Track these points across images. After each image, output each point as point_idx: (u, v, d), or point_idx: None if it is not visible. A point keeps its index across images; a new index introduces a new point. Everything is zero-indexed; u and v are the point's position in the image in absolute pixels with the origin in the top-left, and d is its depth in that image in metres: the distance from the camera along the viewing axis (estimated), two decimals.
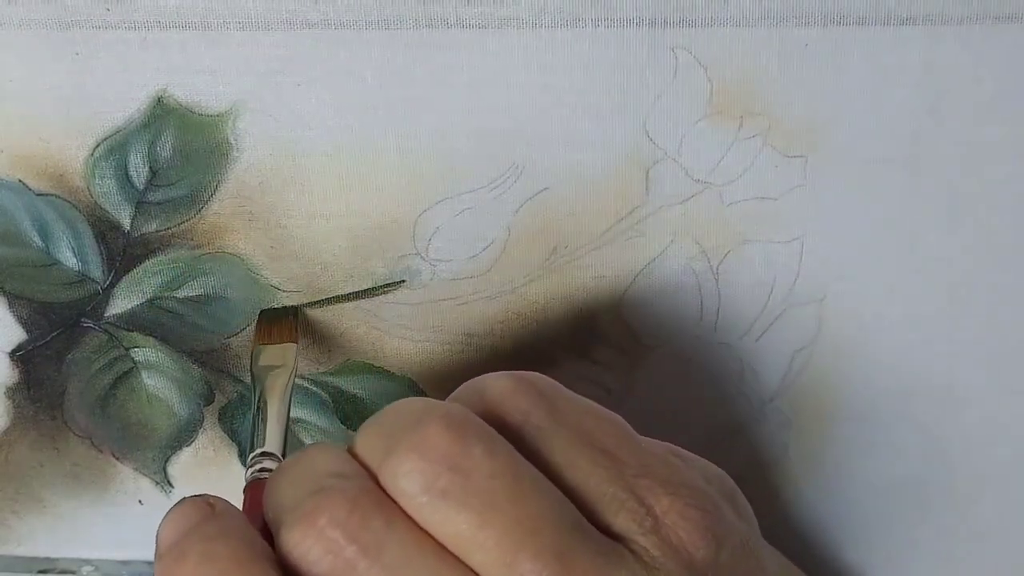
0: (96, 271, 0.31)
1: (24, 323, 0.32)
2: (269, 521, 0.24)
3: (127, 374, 0.33)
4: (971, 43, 0.27)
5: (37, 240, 0.31)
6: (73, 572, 0.37)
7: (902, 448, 0.33)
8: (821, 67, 0.28)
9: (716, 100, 0.28)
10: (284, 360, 0.30)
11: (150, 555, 0.36)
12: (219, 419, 0.33)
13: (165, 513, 0.25)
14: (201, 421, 0.33)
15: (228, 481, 0.34)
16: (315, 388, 0.33)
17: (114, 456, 0.34)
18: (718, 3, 0.27)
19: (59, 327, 0.32)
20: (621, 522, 0.23)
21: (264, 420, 0.28)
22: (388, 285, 0.31)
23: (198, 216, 0.30)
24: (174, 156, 0.29)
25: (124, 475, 0.34)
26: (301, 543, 0.22)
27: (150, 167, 0.30)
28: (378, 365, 0.32)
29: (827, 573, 0.34)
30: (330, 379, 0.33)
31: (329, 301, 0.31)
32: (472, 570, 0.22)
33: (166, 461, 0.34)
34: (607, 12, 0.27)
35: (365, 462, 0.24)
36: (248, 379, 0.33)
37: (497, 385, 0.25)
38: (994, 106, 0.28)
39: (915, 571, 0.35)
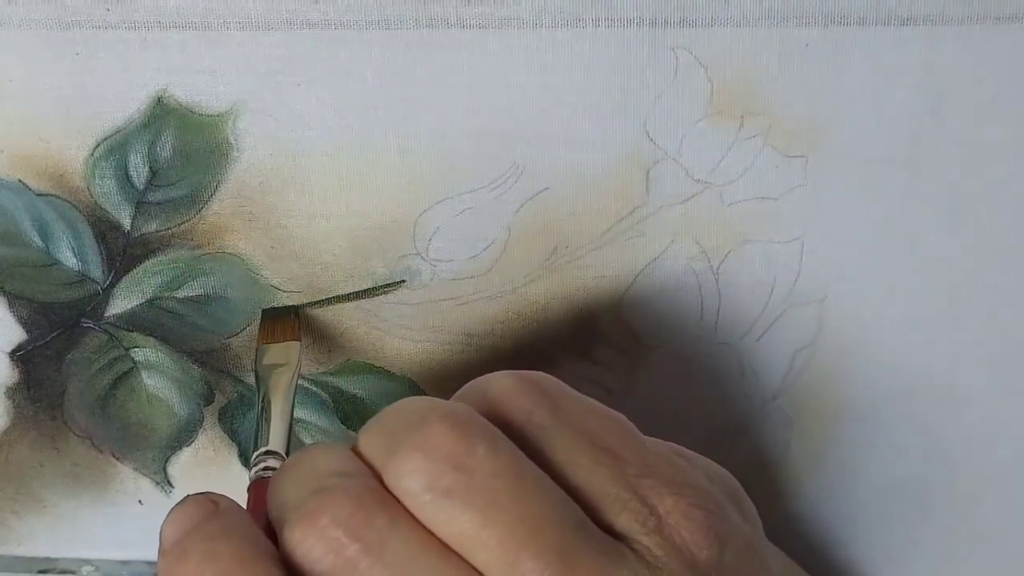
0: (96, 271, 0.31)
1: (24, 323, 0.32)
2: (272, 520, 0.24)
3: (127, 374, 0.33)
4: (972, 43, 0.27)
5: (37, 240, 0.31)
6: (73, 572, 0.37)
7: (903, 448, 0.33)
8: (822, 67, 0.28)
9: (716, 100, 0.28)
10: (288, 358, 0.30)
11: (150, 555, 0.36)
12: (219, 419, 0.33)
13: (169, 511, 0.25)
14: (201, 421, 0.33)
15: (228, 481, 0.34)
16: (315, 388, 0.33)
17: (114, 456, 0.34)
18: (718, 3, 0.27)
19: (59, 327, 0.32)
20: (624, 522, 0.23)
21: (268, 419, 0.29)
22: (388, 285, 0.31)
23: (198, 216, 0.30)
24: (174, 156, 0.29)
25: (124, 475, 0.34)
26: (304, 542, 0.22)
27: (150, 167, 0.30)
28: (378, 365, 0.32)
29: (829, 573, 0.34)
30: (330, 379, 0.33)
31: (329, 301, 0.31)
32: (475, 569, 0.22)
33: (166, 461, 0.34)
34: (607, 12, 0.27)
35: (368, 461, 0.24)
36: (249, 379, 0.33)
37: (500, 384, 0.25)
38: (995, 106, 0.28)
39: (917, 571, 0.35)
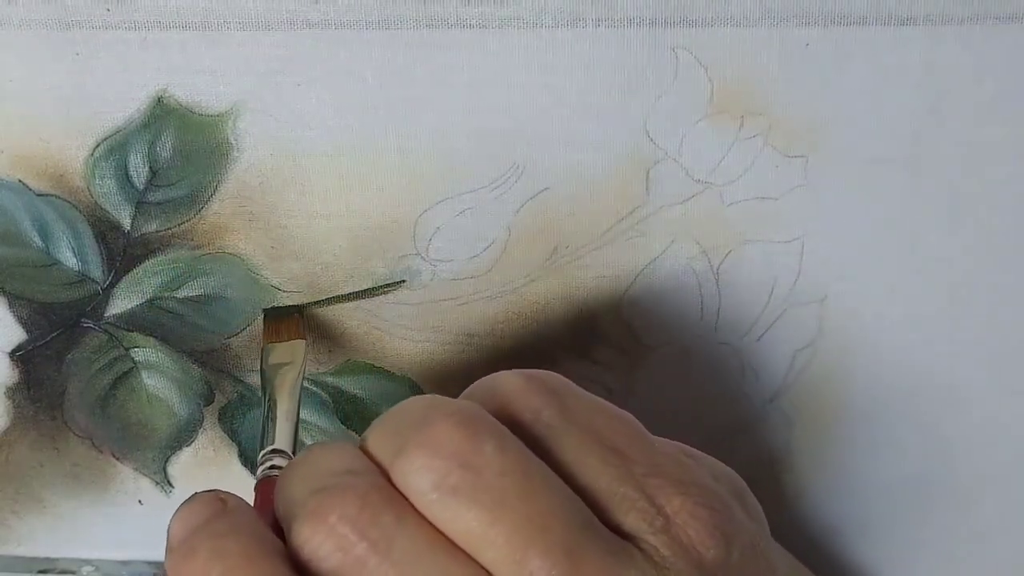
0: (96, 271, 0.31)
1: (24, 323, 0.32)
2: (280, 517, 0.24)
3: (127, 374, 0.33)
4: (972, 43, 0.27)
5: (37, 240, 0.31)
6: (73, 572, 0.37)
7: (904, 448, 0.33)
8: (822, 67, 0.28)
9: (717, 100, 0.28)
10: (293, 357, 0.30)
11: (150, 555, 0.36)
12: (219, 419, 0.33)
13: (176, 508, 0.25)
14: (201, 421, 0.33)
15: (228, 481, 0.34)
16: (315, 388, 0.33)
17: (114, 456, 0.34)
18: (719, 3, 0.27)
19: (59, 327, 0.32)
20: (631, 521, 0.23)
21: (274, 418, 0.29)
22: (388, 285, 0.31)
23: (198, 216, 0.30)
24: (174, 156, 0.29)
25: (124, 475, 0.34)
26: (311, 539, 0.22)
27: (150, 167, 0.30)
28: (378, 365, 0.32)
29: (833, 573, 0.34)
30: (330, 379, 0.33)
31: (330, 301, 0.31)
32: (482, 567, 0.22)
33: (166, 461, 0.34)
34: (608, 12, 0.27)
35: (376, 459, 0.24)
36: (249, 379, 0.33)
37: (509, 383, 0.25)
38: (995, 106, 0.28)
39: (921, 570, 0.35)
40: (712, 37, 0.27)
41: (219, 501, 0.24)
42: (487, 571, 0.22)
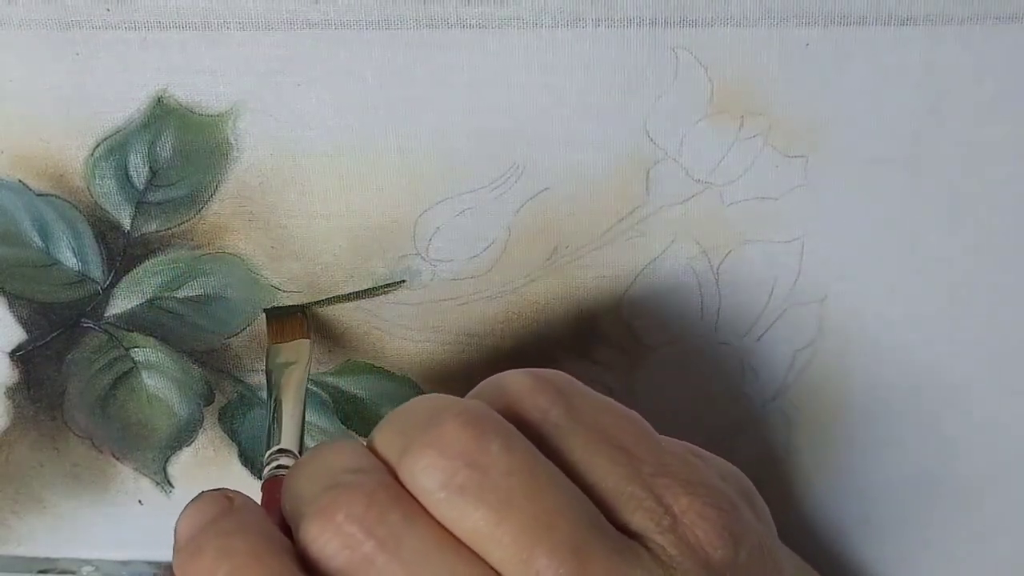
0: (96, 271, 0.31)
1: (24, 323, 0.32)
2: (287, 515, 0.24)
3: (127, 374, 0.33)
4: (972, 43, 0.27)
5: (37, 240, 0.31)
6: (73, 572, 0.37)
7: (904, 447, 0.33)
8: (822, 67, 0.28)
9: (717, 100, 0.28)
10: (298, 356, 0.30)
11: (150, 555, 0.36)
12: (219, 419, 0.33)
13: (183, 507, 0.25)
14: (201, 421, 0.33)
15: (228, 481, 0.34)
16: (315, 388, 0.33)
17: (114, 456, 0.34)
18: (719, 3, 0.27)
19: (59, 327, 0.32)
20: (638, 520, 0.23)
21: (280, 417, 0.29)
22: (388, 285, 0.31)
23: (198, 216, 0.30)
24: (174, 156, 0.29)
25: (124, 475, 0.34)
26: (319, 537, 0.22)
27: (150, 167, 0.30)
28: (378, 365, 0.32)
29: (834, 572, 0.34)
30: (330, 379, 0.33)
31: (329, 301, 0.31)
32: (490, 566, 0.22)
33: (166, 461, 0.34)
34: (608, 12, 0.27)
35: (383, 457, 0.24)
36: (249, 379, 0.33)
37: (516, 382, 0.25)
38: (995, 106, 0.28)
39: (923, 570, 0.35)
40: (712, 37, 0.27)
41: (226, 500, 0.24)
42: (494, 570, 0.22)
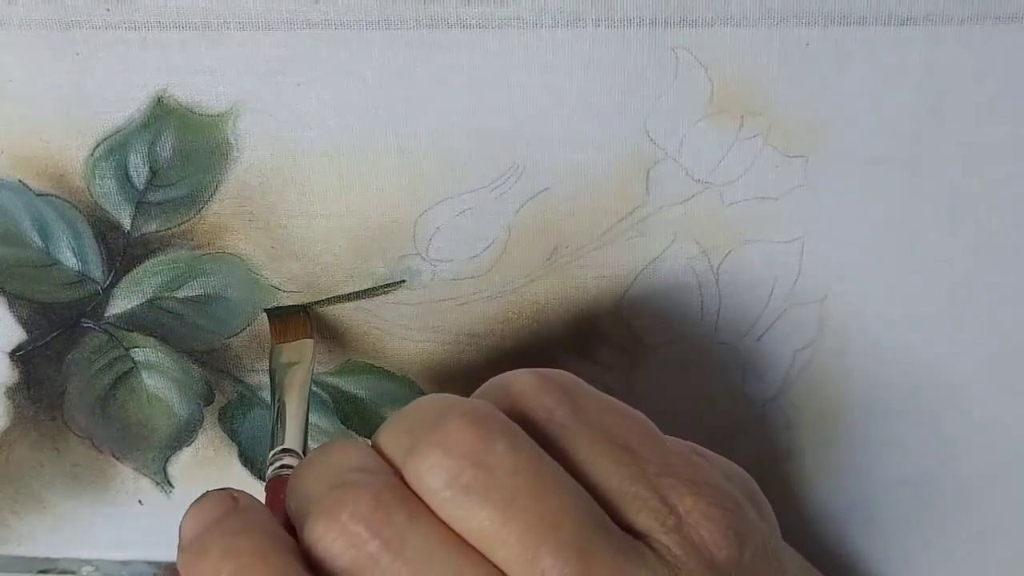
0: (96, 271, 0.31)
1: (24, 323, 0.32)
2: (292, 515, 0.24)
3: (127, 374, 0.33)
4: (972, 43, 0.27)
5: (37, 240, 0.31)
6: (73, 572, 0.37)
7: (905, 447, 0.33)
8: (822, 67, 0.28)
9: (717, 100, 0.28)
10: (302, 356, 0.30)
11: (150, 555, 0.36)
12: (219, 419, 0.33)
13: (188, 507, 0.25)
14: (201, 421, 0.33)
15: (228, 481, 0.34)
16: (315, 388, 0.33)
17: (114, 456, 0.34)
18: (719, 3, 0.27)
19: (59, 327, 0.32)
20: (643, 520, 0.23)
21: (283, 417, 0.29)
22: (388, 285, 0.31)
23: (198, 216, 0.30)
24: (174, 156, 0.29)
25: (124, 475, 0.34)
26: (324, 536, 0.23)
27: (150, 167, 0.30)
28: (378, 365, 0.32)
29: (835, 572, 0.34)
30: (330, 379, 0.33)
31: (329, 301, 0.31)
32: (495, 566, 0.22)
33: (166, 461, 0.34)
34: (608, 12, 0.27)
35: (388, 457, 0.24)
36: (249, 379, 0.33)
37: (521, 382, 0.25)
38: (995, 106, 0.28)
39: (925, 569, 0.35)
40: (712, 37, 0.27)
41: (231, 499, 0.24)
42: (499, 570, 0.22)
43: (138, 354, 0.33)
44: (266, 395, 0.33)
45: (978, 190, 0.29)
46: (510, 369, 0.26)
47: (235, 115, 0.29)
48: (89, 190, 0.30)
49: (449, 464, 0.22)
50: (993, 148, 0.29)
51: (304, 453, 0.28)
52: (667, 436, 0.25)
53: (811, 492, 0.34)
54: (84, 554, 0.36)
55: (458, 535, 0.22)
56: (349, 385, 0.33)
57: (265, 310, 0.31)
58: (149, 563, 0.36)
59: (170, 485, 0.34)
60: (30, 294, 0.32)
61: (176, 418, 0.33)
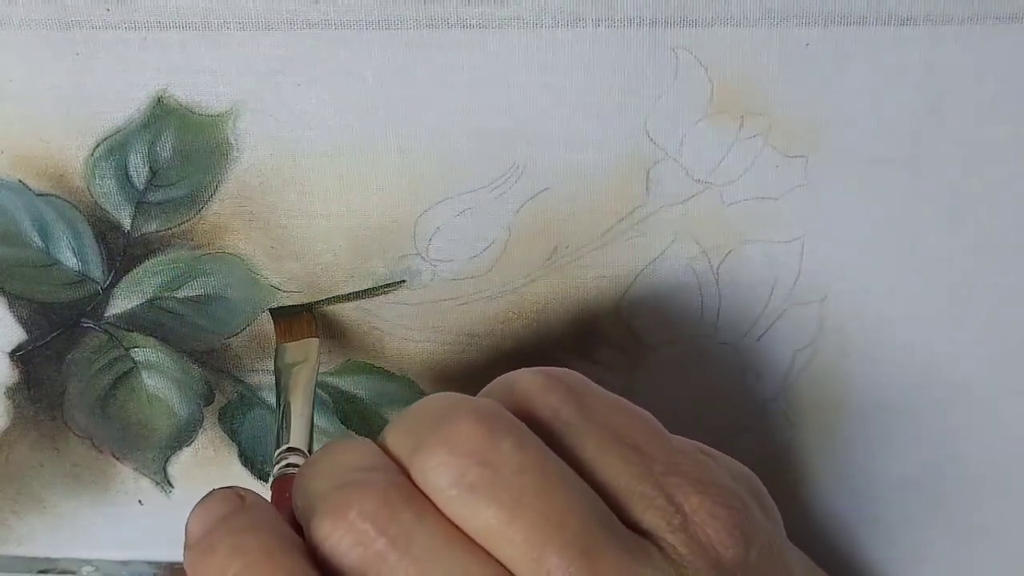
0: (96, 271, 0.31)
1: (24, 323, 0.32)
2: (298, 513, 0.24)
3: (127, 374, 0.33)
4: (972, 43, 0.27)
5: (37, 240, 0.31)
6: (73, 572, 0.37)
7: (905, 447, 0.33)
8: (822, 67, 0.28)
9: (717, 100, 0.28)
10: (307, 355, 0.30)
11: (150, 555, 0.36)
12: (219, 419, 0.33)
13: (194, 505, 0.25)
14: (201, 421, 0.33)
15: (228, 481, 0.34)
16: (316, 388, 0.33)
17: (114, 456, 0.34)
18: (719, 3, 0.27)
19: (59, 327, 0.32)
20: (649, 519, 0.23)
21: (289, 416, 0.29)
22: (388, 285, 0.31)
23: (198, 216, 0.30)
24: (174, 156, 0.29)
25: (124, 475, 0.34)
26: (332, 535, 0.23)
27: (150, 167, 0.30)
28: (378, 365, 0.32)
29: (836, 571, 0.34)
30: (330, 379, 0.33)
31: (329, 301, 0.31)
32: (501, 564, 0.22)
33: (166, 461, 0.34)
34: (608, 12, 0.27)
35: (395, 456, 0.24)
36: (249, 379, 0.33)
37: (527, 381, 0.25)
38: (995, 106, 0.28)
39: (926, 569, 0.35)
40: (712, 37, 0.27)
41: (237, 497, 0.24)
42: (505, 568, 0.22)
43: (138, 354, 0.33)
44: (266, 395, 0.33)
45: (978, 190, 0.29)
46: (510, 369, 0.26)
47: (235, 115, 0.29)
48: (89, 190, 0.30)
49: (455, 462, 0.22)
50: (993, 148, 0.29)
51: (309, 452, 0.28)
52: (673, 435, 0.25)
53: (812, 492, 0.34)
54: (84, 554, 0.36)
55: (464, 533, 0.22)
56: (349, 385, 0.33)
57: (270, 309, 0.31)
58: (149, 563, 0.36)
59: (170, 485, 0.34)
60: (30, 294, 0.32)
61: (176, 418, 0.33)
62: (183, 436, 0.34)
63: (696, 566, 0.23)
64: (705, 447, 0.26)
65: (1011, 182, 0.29)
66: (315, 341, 0.31)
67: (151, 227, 0.31)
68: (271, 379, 0.33)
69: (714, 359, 0.32)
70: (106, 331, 0.32)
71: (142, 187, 0.30)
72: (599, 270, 0.31)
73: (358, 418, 0.33)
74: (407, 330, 0.32)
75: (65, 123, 0.29)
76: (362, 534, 0.22)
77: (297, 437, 0.28)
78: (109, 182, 0.30)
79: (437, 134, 0.29)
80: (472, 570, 0.22)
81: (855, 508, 0.34)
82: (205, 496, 0.25)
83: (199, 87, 0.28)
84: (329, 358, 0.32)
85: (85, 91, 0.29)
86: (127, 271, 0.31)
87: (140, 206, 0.30)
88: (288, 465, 0.27)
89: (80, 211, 0.30)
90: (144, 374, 0.33)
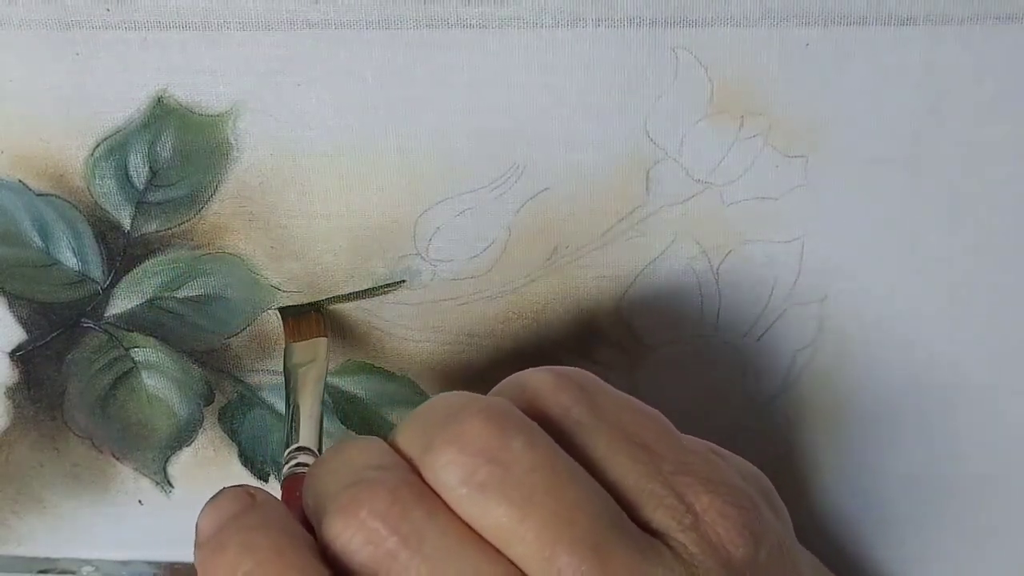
0: (96, 271, 0.31)
1: (24, 323, 0.32)
2: (309, 512, 0.24)
3: (127, 374, 0.33)
4: (972, 43, 0.27)
5: (37, 240, 0.31)
6: (73, 572, 0.37)
7: (905, 447, 0.33)
8: (822, 67, 0.28)
9: (717, 100, 0.28)
10: (316, 355, 0.30)
11: (150, 555, 0.36)
12: (219, 419, 0.33)
13: (204, 503, 0.25)
14: (201, 421, 0.33)
15: (229, 481, 0.34)
16: None
17: (114, 456, 0.34)
18: (719, 3, 0.27)
19: (59, 327, 0.32)
20: (660, 518, 0.23)
21: (298, 416, 0.29)
22: (388, 285, 0.31)
23: (198, 216, 0.30)
24: (174, 156, 0.29)
25: (124, 475, 0.34)
26: (343, 533, 0.23)
27: (150, 167, 0.30)
28: (378, 365, 0.32)
29: (837, 572, 0.34)
30: (330, 379, 0.33)
31: (329, 301, 0.31)
32: (512, 562, 0.22)
33: (166, 461, 0.34)
34: (608, 12, 0.27)
35: (406, 455, 0.24)
36: (249, 379, 0.33)
37: (538, 379, 0.25)
38: (995, 106, 0.28)
39: (926, 569, 0.35)
40: (712, 37, 0.27)
41: (248, 496, 0.24)
42: (516, 566, 0.22)
43: (138, 354, 0.33)
44: (266, 395, 0.33)
45: (978, 190, 0.29)
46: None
47: (235, 115, 0.29)
48: (89, 190, 0.30)
49: (466, 461, 0.23)
50: (993, 148, 0.29)
51: (319, 451, 0.28)
52: (684, 435, 0.25)
53: (810, 492, 0.34)
54: (84, 554, 0.36)
55: (475, 532, 0.22)
56: (349, 385, 0.33)
57: (279, 309, 0.31)
58: (149, 563, 0.36)
59: (170, 485, 0.34)
60: (30, 294, 0.32)
61: (176, 418, 0.33)
62: (183, 436, 0.34)
63: (707, 565, 0.23)
64: (715, 447, 0.26)
65: (1011, 182, 0.29)
66: (324, 340, 0.31)
67: (151, 227, 0.31)
68: (271, 379, 0.33)
69: (714, 359, 0.32)
70: (106, 331, 0.32)
71: (142, 187, 0.30)
72: (599, 270, 0.31)
73: (358, 418, 0.33)
74: (407, 330, 0.32)
75: (65, 123, 0.29)
76: (373, 533, 0.22)
77: (307, 436, 0.28)
78: (109, 182, 0.30)
79: (437, 134, 0.29)
80: (483, 568, 0.22)
81: (857, 508, 0.34)
82: (215, 494, 0.25)
83: (199, 87, 0.28)
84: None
85: (85, 91, 0.29)
86: (127, 271, 0.31)
87: (140, 206, 0.30)
88: (298, 464, 0.27)
89: (80, 211, 0.30)
90: (144, 374, 0.33)
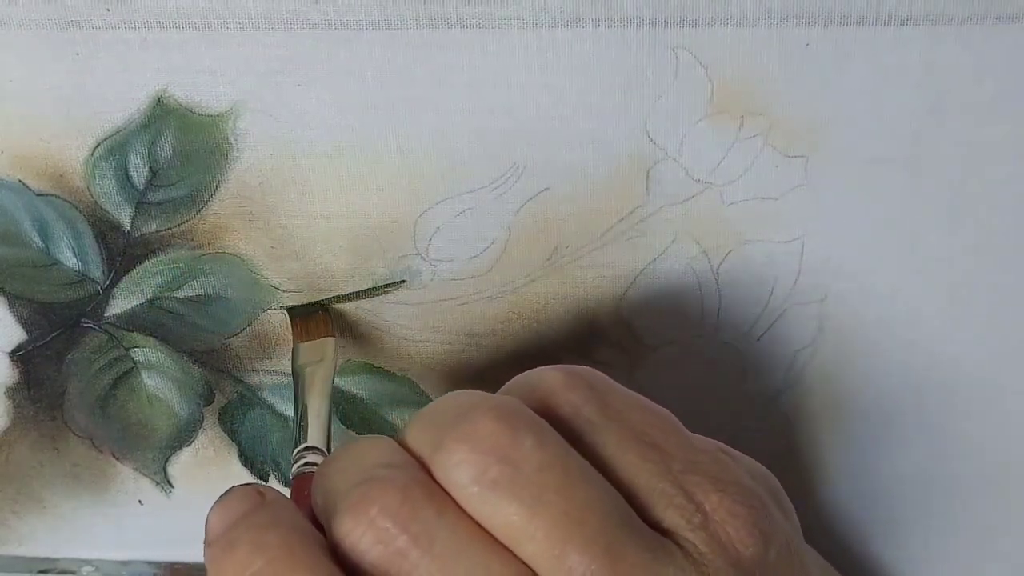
0: (96, 271, 0.31)
1: (24, 323, 0.32)
2: (318, 511, 0.24)
3: (127, 374, 0.33)
4: (972, 43, 0.27)
5: (37, 240, 0.31)
6: (73, 572, 0.37)
7: (905, 447, 0.33)
8: (822, 67, 0.28)
9: (717, 100, 0.28)
10: (324, 355, 0.30)
11: (150, 555, 0.36)
12: (219, 419, 0.33)
13: (214, 502, 0.25)
14: (201, 421, 0.33)
15: (229, 481, 0.34)
16: None
17: (114, 456, 0.34)
18: (719, 3, 0.27)
19: (59, 327, 0.32)
20: (670, 518, 0.23)
21: (307, 415, 0.29)
22: (388, 285, 0.31)
23: (198, 216, 0.30)
24: (174, 156, 0.29)
25: (124, 475, 0.34)
26: (353, 531, 0.23)
27: (150, 167, 0.30)
28: (378, 365, 0.32)
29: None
30: None
31: (329, 301, 0.31)
32: (522, 561, 0.22)
33: (166, 461, 0.34)
34: (608, 12, 0.27)
35: (416, 453, 0.24)
36: (249, 379, 0.33)
37: (548, 378, 0.25)
38: (995, 106, 0.28)
39: (927, 570, 0.35)
40: (712, 37, 0.27)
41: (258, 494, 0.24)
42: (527, 565, 0.22)
43: (138, 354, 0.33)
44: (266, 395, 0.33)
45: (978, 190, 0.29)
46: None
47: (235, 115, 0.29)
48: (89, 190, 0.30)
49: (476, 459, 0.22)
50: (993, 148, 0.29)
51: (328, 451, 0.28)
52: (693, 434, 0.25)
53: (810, 492, 0.34)
54: (84, 554, 0.36)
55: (486, 530, 0.22)
56: (349, 385, 0.33)
57: (287, 308, 0.31)
58: (149, 563, 0.36)
59: (170, 485, 0.34)
60: (30, 294, 0.32)
61: (176, 418, 0.33)
62: (183, 436, 0.34)
63: (716, 565, 0.23)
64: (725, 446, 0.26)
65: (1011, 182, 0.29)
66: (331, 340, 0.31)
67: (151, 227, 0.31)
68: (271, 379, 0.33)
69: (714, 359, 0.32)
70: (106, 331, 0.32)
71: (142, 187, 0.30)
72: (599, 270, 0.31)
73: (358, 418, 0.33)
74: (407, 330, 0.32)
75: (65, 123, 0.29)
76: (383, 531, 0.22)
77: (315, 436, 0.28)
78: (109, 182, 0.30)
79: (437, 134, 0.29)
80: (493, 567, 0.22)
81: (858, 508, 0.34)
82: (225, 492, 0.25)
83: (199, 87, 0.28)
84: None
85: (85, 91, 0.29)
86: (127, 271, 0.31)
87: (140, 206, 0.30)
88: (307, 464, 0.27)
89: (80, 211, 0.30)
90: (144, 374, 0.33)
